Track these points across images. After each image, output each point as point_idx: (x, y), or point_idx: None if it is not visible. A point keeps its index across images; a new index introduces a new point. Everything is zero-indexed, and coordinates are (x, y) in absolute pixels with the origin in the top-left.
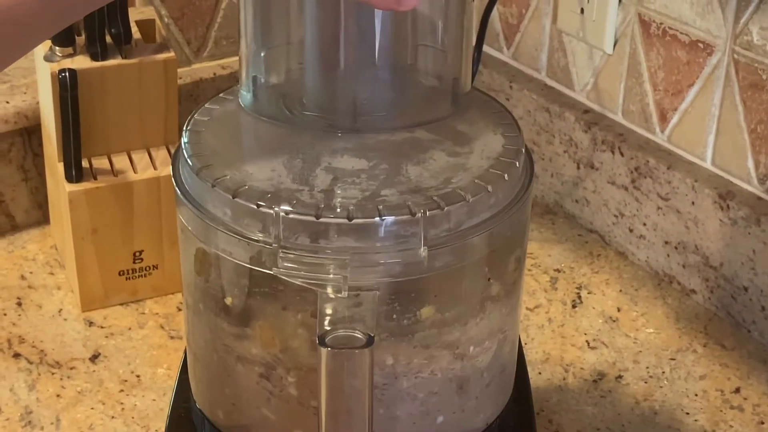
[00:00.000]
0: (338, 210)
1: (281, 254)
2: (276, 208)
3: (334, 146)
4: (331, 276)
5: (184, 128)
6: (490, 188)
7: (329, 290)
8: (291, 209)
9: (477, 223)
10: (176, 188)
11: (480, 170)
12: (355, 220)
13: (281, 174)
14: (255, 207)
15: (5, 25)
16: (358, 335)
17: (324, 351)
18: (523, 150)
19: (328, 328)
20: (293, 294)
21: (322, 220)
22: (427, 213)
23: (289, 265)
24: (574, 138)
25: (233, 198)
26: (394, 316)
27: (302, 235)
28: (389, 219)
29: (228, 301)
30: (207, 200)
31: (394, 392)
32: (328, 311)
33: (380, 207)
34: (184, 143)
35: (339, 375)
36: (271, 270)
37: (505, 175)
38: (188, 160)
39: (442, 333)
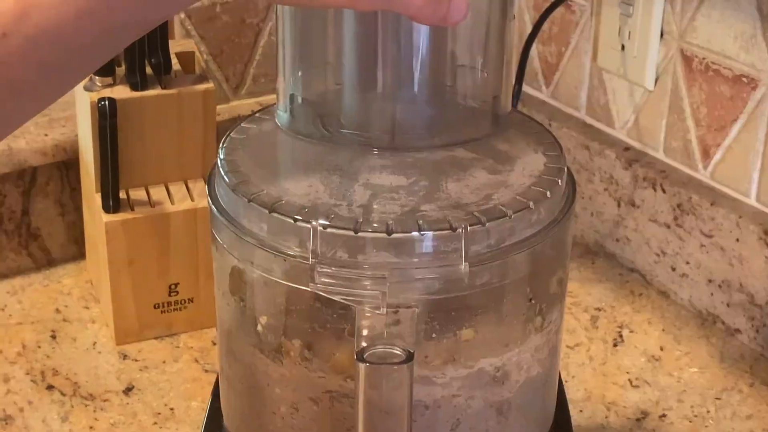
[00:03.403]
0: (377, 224)
1: (318, 269)
2: (313, 222)
3: (372, 163)
4: (369, 292)
5: (220, 146)
6: (532, 205)
7: (367, 306)
8: (328, 223)
9: (519, 240)
10: (211, 205)
11: (522, 187)
12: (394, 235)
13: (318, 190)
14: (292, 221)
15: (44, 48)
16: (397, 351)
17: (362, 366)
18: (566, 169)
19: (365, 344)
20: (331, 312)
21: (360, 234)
22: (468, 228)
23: (326, 280)
24: (615, 176)
25: (270, 213)
26: (434, 336)
27: (340, 250)
28: (429, 234)
29: (263, 320)
30: (242, 216)
31: (432, 414)
32: (367, 328)
33: (420, 222)
34: (220, 160)
35: (378, 392)
36: (307, 286)
37: (548, 193)
38: (224, 176)
39: (482, 354)
